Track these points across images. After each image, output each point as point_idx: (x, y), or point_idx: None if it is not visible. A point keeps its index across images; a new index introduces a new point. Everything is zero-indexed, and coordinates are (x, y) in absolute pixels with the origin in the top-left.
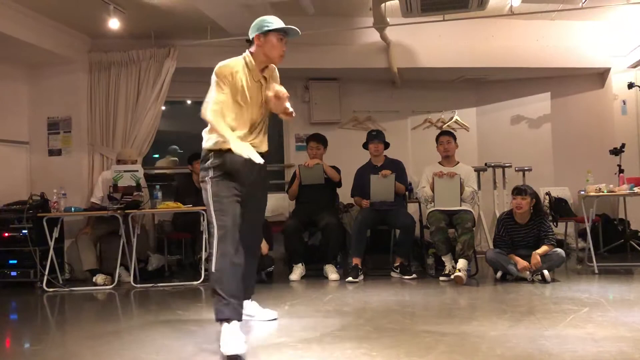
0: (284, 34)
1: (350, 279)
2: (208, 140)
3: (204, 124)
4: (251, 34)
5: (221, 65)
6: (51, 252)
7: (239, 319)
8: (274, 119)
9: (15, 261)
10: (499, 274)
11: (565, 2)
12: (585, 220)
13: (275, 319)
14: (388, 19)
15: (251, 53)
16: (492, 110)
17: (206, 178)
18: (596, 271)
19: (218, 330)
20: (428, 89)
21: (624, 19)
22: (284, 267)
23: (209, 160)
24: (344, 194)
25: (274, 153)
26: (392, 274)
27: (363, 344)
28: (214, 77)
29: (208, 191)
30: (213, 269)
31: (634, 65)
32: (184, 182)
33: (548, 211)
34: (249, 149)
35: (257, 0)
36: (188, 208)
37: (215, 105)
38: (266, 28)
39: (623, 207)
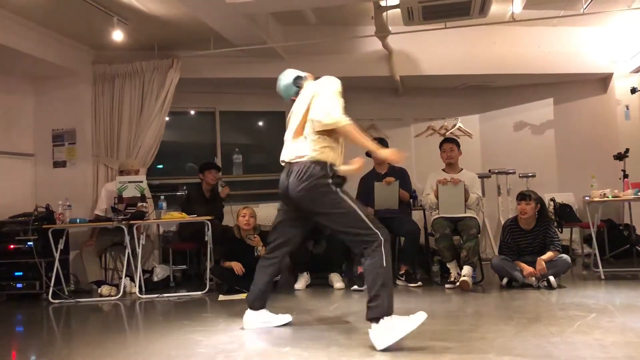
0: None
1: (355, 287)
2: (323, 153)
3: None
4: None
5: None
6: (57, 263)
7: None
8: (271, 123)
9: (21, 273)
10: (505, 280)
11: (566, 8)
12: (591, 225)
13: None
14: (390, 27)
15: None
16: (495, 116)
17: (332, 187)
18: (602, 277)
19: (224, 341)
20: (431, 96)
21: (626, 24)
22: (289, 276)
23: (330, 175)
24: None
25: (275, 162)
26: (398, 281)
27: (370, 352)
28: (334, 85)
29: (346, 200)
30: (384, 264)
31: (637, 70)
32: (194, 192)
33: (553, 217)
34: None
35: (259, 10)
36: (193, 218)
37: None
38: None
39: (628, 212)
